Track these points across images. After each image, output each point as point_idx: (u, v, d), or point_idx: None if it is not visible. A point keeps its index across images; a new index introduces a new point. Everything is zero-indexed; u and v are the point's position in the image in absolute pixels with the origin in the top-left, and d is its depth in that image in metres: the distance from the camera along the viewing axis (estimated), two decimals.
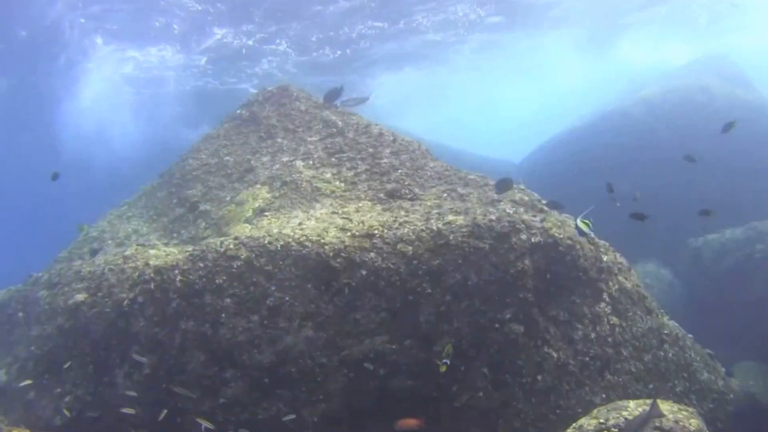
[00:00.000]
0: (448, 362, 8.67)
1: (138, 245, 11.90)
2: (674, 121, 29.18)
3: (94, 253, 12.66)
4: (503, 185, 11.25)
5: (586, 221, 9.62)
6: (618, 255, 11.37)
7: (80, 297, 10.63)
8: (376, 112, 18.25)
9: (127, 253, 11.21)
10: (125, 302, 9.92)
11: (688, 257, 23.15)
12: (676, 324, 11.88)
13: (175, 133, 46.94)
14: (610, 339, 10.21)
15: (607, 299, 10.52)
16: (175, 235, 12.76)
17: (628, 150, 28.73)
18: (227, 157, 14.19)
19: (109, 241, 13.31)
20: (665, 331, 11.30)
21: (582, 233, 9.83)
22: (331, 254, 9.48)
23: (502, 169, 32.47)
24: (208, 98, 42.46)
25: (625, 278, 11.15)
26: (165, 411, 9.24)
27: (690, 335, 11.96)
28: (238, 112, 15.88)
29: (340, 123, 14.35)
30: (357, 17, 34.07)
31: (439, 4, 34.67)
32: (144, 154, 48.51)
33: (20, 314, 12.25)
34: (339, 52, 38.67)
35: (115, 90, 40.04)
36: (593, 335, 10.05)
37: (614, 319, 10.42)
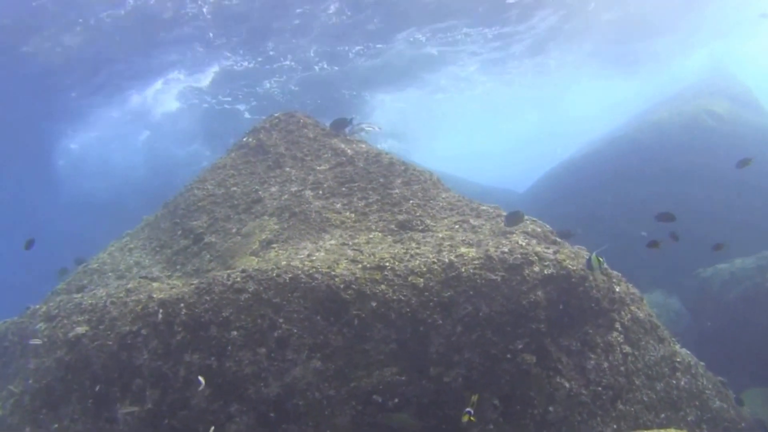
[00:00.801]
0: (472, 411, 8.73)
1: (141, 278, 11.93)
2: (682, 146, 29.37)
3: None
4: (513, 219, 11.35)
5: (600, 258, 9.76)
6: (630, 285, 11.46)
7: (81, 329, 10.64)
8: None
9: (130, 286, 11.27)
10: (128, 335, 9.92)
11: (696, 286, 23.24)
12: (688, 352, 11.96)
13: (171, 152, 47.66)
14: (622, 368, 10.29)
15: (620, 329, 10.63)
16: (178, 267, 12.81)
17: (637, 177, 28.87)
18: (234, 188, 14.25)
19: (110, 274, 13.34)
20: (677, 359, 11.39)
21: (590, 267, 9.96)
22: (342, 286, 9.56)
23: (506, 199, 32.72)
24: (209, 119, 43.06)
25: (638, 308, 11.27)
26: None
27: (702, 363, 12.03)
28: (245, 140, 15.93)
29: (349, 151, 14.46)
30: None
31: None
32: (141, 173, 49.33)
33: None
34: (336, 68, 39.22)
35: (116, 121, 40.56)
36: (606, 364, 10.12)
37: (627, 348, 10.50)
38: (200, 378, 9.24)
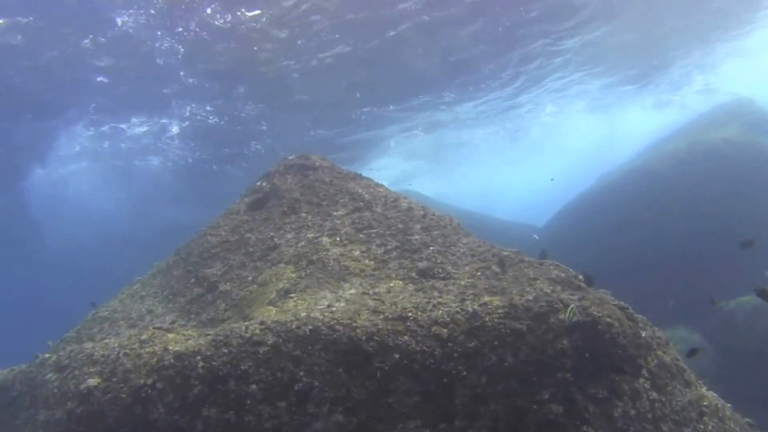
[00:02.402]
0: None
1: (155, 328, 11.95)
2: (700, 176, 29.35)
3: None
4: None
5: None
6: (656, 329, 11.44)
7: (93, 382, 10.65)
8: None
9: (144, 336, 11.27)
10: (143, 388, 9.93)
11: (720, 320, 23.17)
12: (715, 395, 11.92)
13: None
14: (649, 415, 10.21)
15: (647, 375, 10.57)
16: (192, 316, 12.82)
17: (655, 209, 28.87)
18: (248, 234, 14.33)
19: (121, 322, 13.36)
20: (704, 403, 11.33)
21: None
22: (364, 338, 9.57)
23: (526, 234, 32.80)
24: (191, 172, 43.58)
25: (664, 352, 11.21)
26: None
27: (729, 405, 12.00)
28: (259, 184, 16.02)
29: (367, 196, 14.54)
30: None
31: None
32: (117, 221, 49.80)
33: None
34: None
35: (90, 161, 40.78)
36: (633, 412, 10.05)
37: (654, 395, 10.44)
38: None
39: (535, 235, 28.16)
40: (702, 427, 10.98)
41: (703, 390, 11.68)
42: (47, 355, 12.76)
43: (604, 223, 30.37)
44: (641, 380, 10.46)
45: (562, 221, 35.93)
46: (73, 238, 55.07)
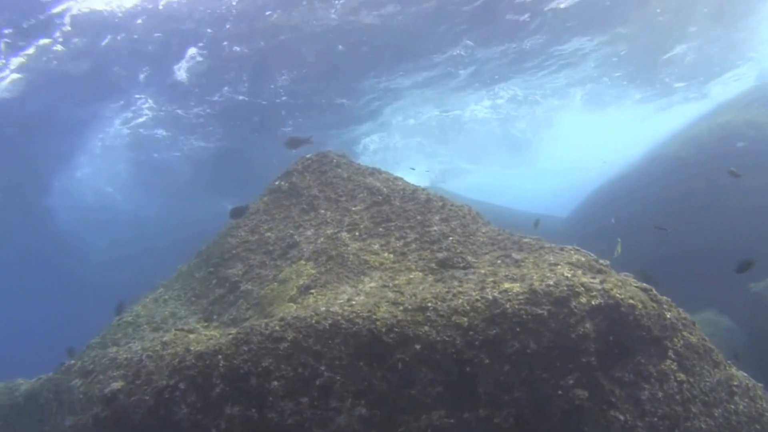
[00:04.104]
0: None
1: (177, 330, 11.95)
2: (723, 159, 29.05)
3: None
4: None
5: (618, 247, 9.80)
6: (681, 310, 11.28)
7: (117, 385, 10.66)
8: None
9: (166, 338, 11.28)
10: (165, 389, 9.91)
11: (748, 302, 22.94)
12: (745, 374, 11.75)
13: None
14: (678, 396, 10.07)
15: (673, 356, 10.42)
16: (215, 317, 12.83)
17: (680, 194, 28.63)
18: (268, 233, 14.33)
19: (145, 326, 13.39)
20: (734, 383, 11.16)
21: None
22: (384, 330, 9.49)
23: (549, 225, 32.60)
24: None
25: (690, 333, 11.05)
26: None
27: (760, 384, 11.82)
28: (277, 183, 16.07)
29: (385, 190, 14.50)
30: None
31: None
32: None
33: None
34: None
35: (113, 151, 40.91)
36: (660, 394, 9.91)
37: (681, 376, 10.29)
38: None
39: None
40: (733, 407, 10.82)
41: (733, 370, 11.51)
42: (72, 362, 12.82)
43: (630, 212, 30.14)
44: (668, 362, 10.32)
45: (587, 211, 35.75)
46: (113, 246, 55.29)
